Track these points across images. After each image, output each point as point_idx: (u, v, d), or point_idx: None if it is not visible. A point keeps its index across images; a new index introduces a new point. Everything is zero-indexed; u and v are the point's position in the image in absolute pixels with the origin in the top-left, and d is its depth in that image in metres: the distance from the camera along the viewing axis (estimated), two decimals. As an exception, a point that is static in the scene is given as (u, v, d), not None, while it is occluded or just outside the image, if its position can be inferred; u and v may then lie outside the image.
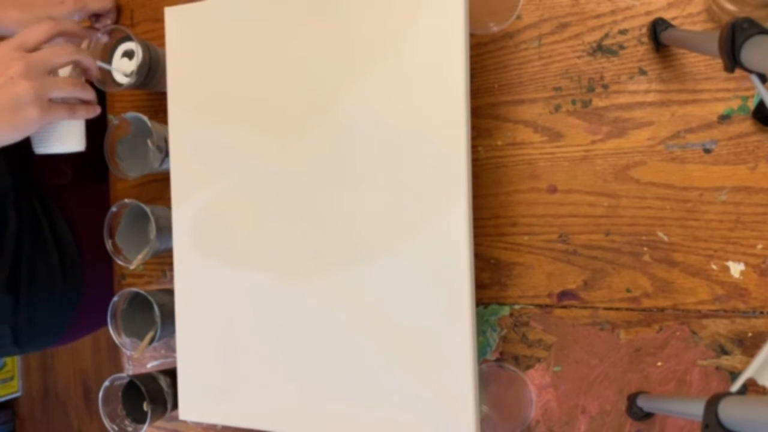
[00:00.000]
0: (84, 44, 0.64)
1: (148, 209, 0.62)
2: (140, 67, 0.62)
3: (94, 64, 0.61)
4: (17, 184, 0.71)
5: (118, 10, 0.73)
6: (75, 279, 0.75)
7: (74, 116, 0.59)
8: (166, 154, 0.61)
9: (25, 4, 0.66)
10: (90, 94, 0.60)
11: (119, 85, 0.64)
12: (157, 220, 0.62)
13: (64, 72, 0.62)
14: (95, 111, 0.61)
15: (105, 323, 0.84)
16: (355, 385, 0.54)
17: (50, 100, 0.56)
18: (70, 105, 0.59)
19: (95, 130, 0.76)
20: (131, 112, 0.62)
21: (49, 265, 0.72)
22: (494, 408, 0.59)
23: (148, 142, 0.62)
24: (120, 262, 0.65)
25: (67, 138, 0.64)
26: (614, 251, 0.56)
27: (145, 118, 0.61)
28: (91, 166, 0.84)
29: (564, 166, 0.57)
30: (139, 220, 0.66)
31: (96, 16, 0.71)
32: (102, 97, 0.75)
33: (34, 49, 0.56)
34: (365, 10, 0.53)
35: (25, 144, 0.74)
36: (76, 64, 0.60)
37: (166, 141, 0.61)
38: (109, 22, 0.71)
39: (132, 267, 0.63)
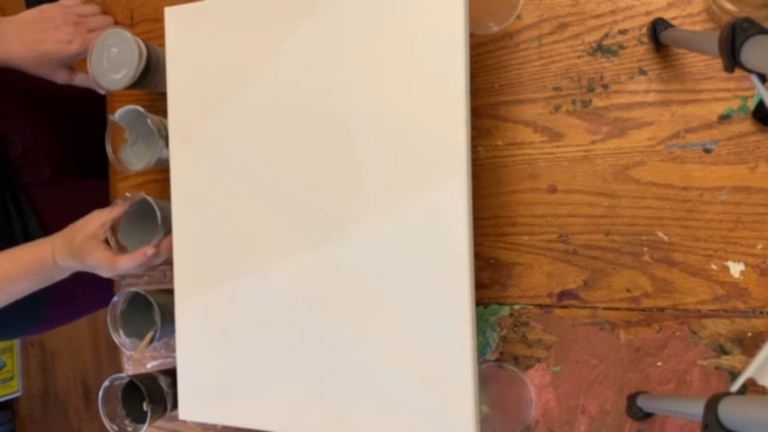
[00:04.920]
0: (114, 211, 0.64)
1: (151, 199, 0.62)
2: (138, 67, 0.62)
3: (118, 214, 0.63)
4: None
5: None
6: None
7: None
8: (166, 142, 0.62)
9: (33, 41, 0.65)
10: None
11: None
12: (161, 210, 0.62)
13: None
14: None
15: (79, 315, 0.85)
16: (356, 385, 0.54)
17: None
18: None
19: (87, 127, 0.76)
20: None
21: None
22: (494, 408, 0.59)
23: (148, 121, 0.62)
24: None
25: None
26: (614, 251, 0.56)
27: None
28: (72, 162, 0.84)
29: (564, 166, 0.57)
30: (141, 217, 0.66)
31: None
32: (101, 98, 0.75)
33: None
34: (365, 10, 0.53)
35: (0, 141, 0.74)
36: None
37: (166, 129, 0.61)
38: None
39: None
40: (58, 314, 0.80)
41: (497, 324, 0.59)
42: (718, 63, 0.52)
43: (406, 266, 0.52)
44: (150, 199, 0.62)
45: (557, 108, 0.57)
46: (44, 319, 0.79)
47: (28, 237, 0.74)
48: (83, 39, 0.67)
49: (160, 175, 0.72)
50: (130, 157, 0.66)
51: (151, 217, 0.62)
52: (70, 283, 0.78)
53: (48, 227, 0.76)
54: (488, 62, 0.59)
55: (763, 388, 0.47)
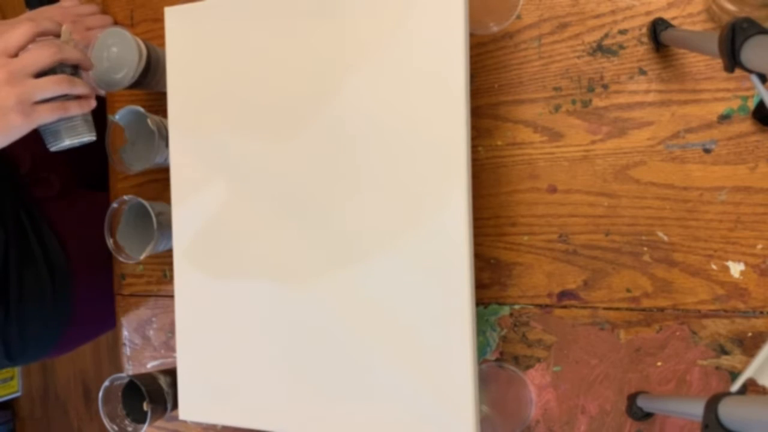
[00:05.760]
0: (64, 35, 0.58)
1: (147, 203, 0.62)
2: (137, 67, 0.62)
3: (83, 57, 0.57)
4: (2, 196, 0.71)
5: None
6: (65, 290, 0.75)
7: (66, 114, 0.56)
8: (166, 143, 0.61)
9: None
10: (80, 89, 0.56)
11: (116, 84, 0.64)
12: (158, 215, 0.62)
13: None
14: (89, 105, 0.58)
15: (100, 333, 0.84)
16: (356, 385, 0.54)
17: (36, 103, 0.54)
18: (59, 104, 0.55)
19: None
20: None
21: (38, 277, 0.72)
22: (494, 408, 0.59)
23: (148, 121, 0.61)
24: (121, 259, 0.65)
25: (74, 130, 0.60)
26: (614, 251, 0.56)
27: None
28: (80, 175, 0.84)
29: (564, 166, 0.57)
30: (140, 218, 0.66)
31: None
32: (101, 99, 0.75)
33: (16, 53, 0.53)
34: (365, 10, 0.53)
35: (9, 157, 0.74)
36: (63, 62, 0.56)
37: (166, 129, 0.61)
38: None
39: (141, 257, 0.63)
40: (78, 334, 0.80)
41: (497, 324, 0.59)
42: (718, 63, 0.52)
43: (406, 266, 0.52)
44: (146, 203, 0.62)
45: (557, 108, 0.57)
46: (65, 339, 0.78)
47: (44, 250, 0.73)
48: (82, 36, 0.67)
49: (160, 175, 0.72)
50: (130, 157, 0.66)
51: (150, 220, 0.62)
52: (91, 303, 0.78)
53: (63, 241, 0.76)
54: (488, 62, 0.59)
55: (763, 388, 0.47)
